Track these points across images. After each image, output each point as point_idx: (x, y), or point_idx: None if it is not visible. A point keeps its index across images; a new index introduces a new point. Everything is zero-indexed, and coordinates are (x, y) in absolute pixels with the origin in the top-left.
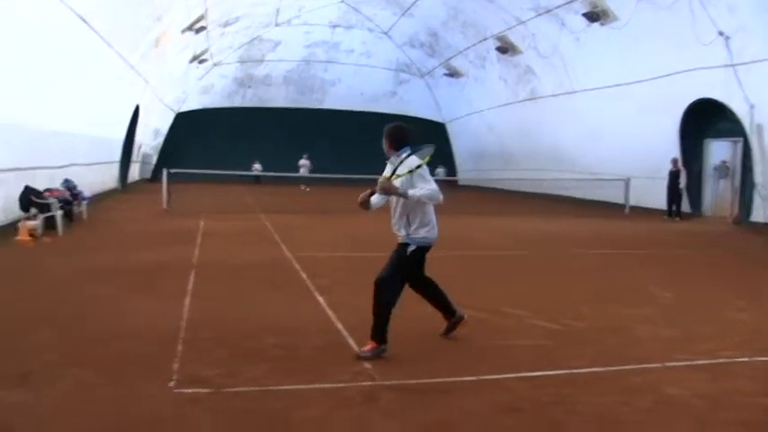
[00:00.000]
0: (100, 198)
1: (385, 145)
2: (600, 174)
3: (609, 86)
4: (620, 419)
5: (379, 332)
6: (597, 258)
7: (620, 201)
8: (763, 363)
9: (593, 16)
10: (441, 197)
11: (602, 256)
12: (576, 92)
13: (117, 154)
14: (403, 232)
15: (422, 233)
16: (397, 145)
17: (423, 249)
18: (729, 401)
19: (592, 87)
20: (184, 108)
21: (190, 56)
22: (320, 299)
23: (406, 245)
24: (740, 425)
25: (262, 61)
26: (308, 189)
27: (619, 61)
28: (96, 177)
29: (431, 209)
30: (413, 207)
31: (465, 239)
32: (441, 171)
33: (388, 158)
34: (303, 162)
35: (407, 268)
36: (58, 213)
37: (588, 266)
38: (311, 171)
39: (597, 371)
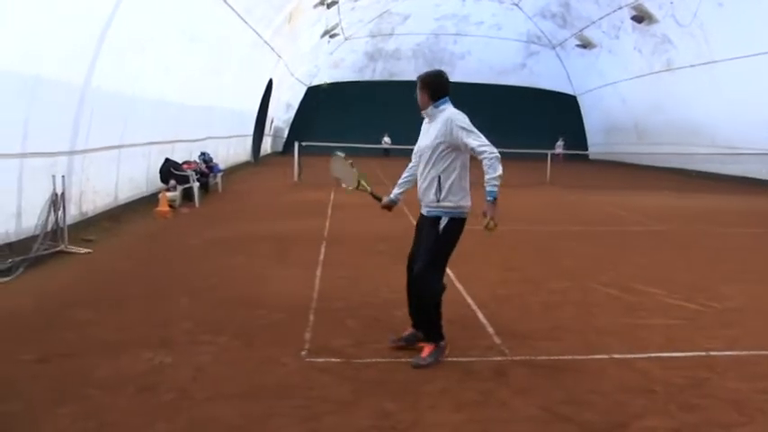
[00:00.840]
0: (233, 170)
1: (423, 96)
2: (740, 148)
3: (752, 55)
4: (760, 407)
5: (435, 331)
6: (738, 237)
7: (763, 176)
8: None
9: None
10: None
11: (743, 234)
12: (716, 61)
13: (250, 128)
14: (432, 198)
15: (454, 201)
16: (438, 95)
17: (459, 221)
18: None
19: (734, 56)
20: (315, 82)
21: (321, 30)
22: (450, 272)
23: (436, 218)
24: None
25: (391, 35)
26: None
27: (762, 29)
28: (230, 150)
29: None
30: (447, 167)
31: (597, 214)
32: (560, 144)
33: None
34: (386, 139)
35: (450, 247)
36: (195, 185)
37: (728, 245)
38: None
39: (737, 354)
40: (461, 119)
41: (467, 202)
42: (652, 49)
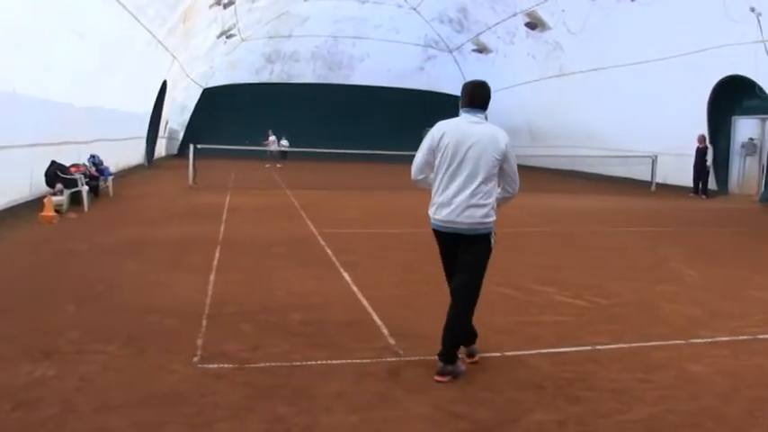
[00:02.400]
0: (126, 174)
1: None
2: (627, 151)
3: (637, 63)
4: (640, 396)
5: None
6: (623, 236)
7: (648, 178)
8: None
9: None
10: (412, 175)
11: (628, 233)
12: (604, 68)
13: (144, 130)
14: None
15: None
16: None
17: (434, 232)
18: (752, 378)
19: (620, 64)
20: (211, 83)
21: (218, 31)
22: (346, 275)
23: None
24: (763, 401)
25: (290, 37)
26: (278, 165)
27: (647, 37)
28: (123, 153)
29: (433, 183)
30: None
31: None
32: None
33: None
34: (272, 139)
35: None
36: (84, 189)
37: (614, 244)
38: (282, 145)
39: (620, 347)
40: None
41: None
42: (545, 55)
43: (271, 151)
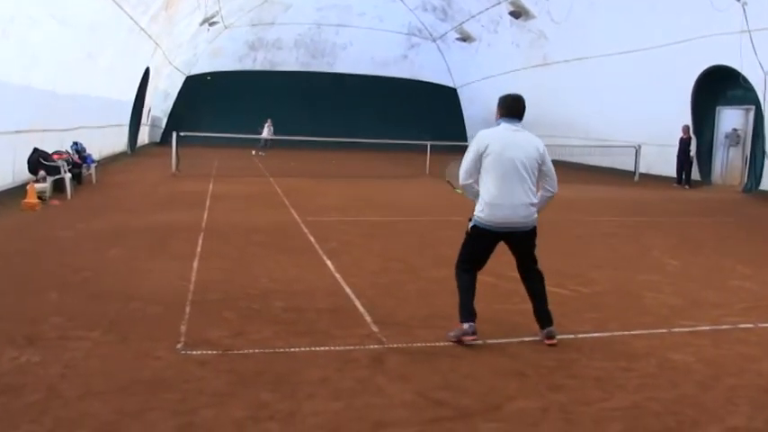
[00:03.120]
0: (109, 161)
1: None
2: (611, 141)
3: (622, 52)
4: (622, 384)
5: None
6: (606, 225)
7: (631, 168)
8: (767, 329)
9: None
10: (460, 178)
11: (611, 223)
12: (588, 57)
13: (126, 117)
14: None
15: (476, 210)
16: (496, 115)
17: (477, 229)
18: (732, 366)
19: (605, 53)
20: (194, 71)
21: (200, 18)
22: (328, 262)
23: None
24: (743, 389)
25: (273, 24)
26: (261, 153)
27: (632, 27)
28: (105, 140)
29: (482, 185)
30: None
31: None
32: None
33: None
34: (267, 125)
35: (463, 248)
36: (67, 176)
37: (598, 233)
38: (271, 134)
39: (602, 336)
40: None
41: (483, 214)
42: (529, 44)
43: (266, 139)
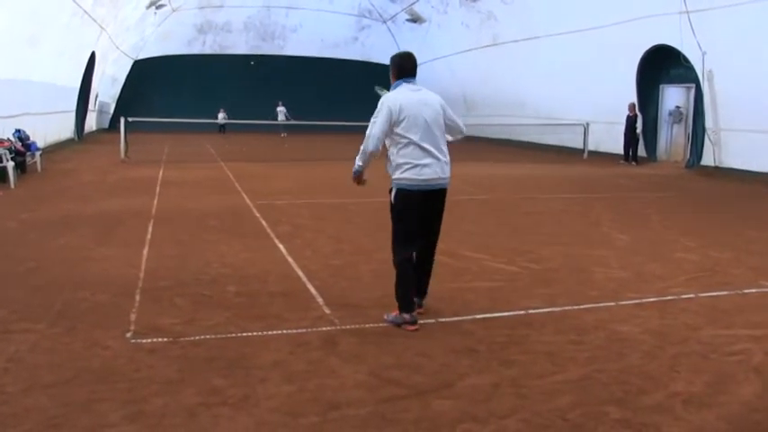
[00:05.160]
0: (55, 149)
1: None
2: (560, 119)
3: (569, 32)
4: (571, 356)
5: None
6: (556, 202)
7: (580, 146)
8: (708, 298)
9: None
10: (369, 146)
11: (560, 200)
12: (536, 37)
13: (72, 103)
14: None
15: (397, 174)
16: (391, 77)
17: (408, 193)
18: (675, 336)
19: (552, 33)
20: (142, 56)
21: (147, 1)
22: (281, 246)
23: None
24: (684, 357)
25: (221, 7)
26: (284, 135)
27: (578, 7)
28: (51, 127)
29: (398, 150)
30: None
31: None
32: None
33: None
34: (280, 109)
35: (394, 218)
36: (10, 165)
37: (547, 210)
38: (287, 117)
39: (552, 311)
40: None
41: (408, 175)
42: (479, 25)
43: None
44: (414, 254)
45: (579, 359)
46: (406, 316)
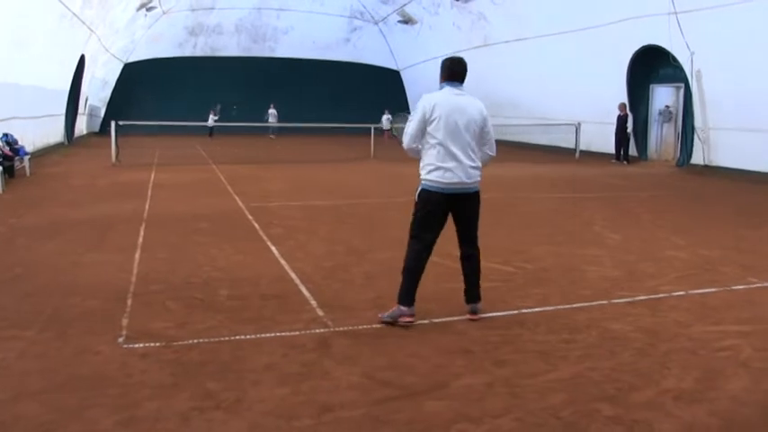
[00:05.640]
0: (45, 153)
1: None
2: (552, 119)
3: (560, 33)
4: (564, 355)
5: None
6: (549, 202)
7: (572, 146)
8: (698, 295)
9: None
10: (404, 143)
11: (553, 199)
12: (528, 38)
13: (62, 107)
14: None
15: (422, 174)
16: (440, 79)
17: (429, 193)
18: (666, 333)
19: (543, 34)
20: (133, 58)
21: (137, 3)
22: (273, 248)
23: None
24: (675, 353)
25: (212, 9)
26: (273, 137)
27: (569, 8)
28: (40, 131)
29: (427, 150)
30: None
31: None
32: (388, 117)
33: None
34: (271, 111)
35: (413, 214)
36: None
37: (541, 210)
38: (277, 119)
39: (545, 310)
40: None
41: (432, 177)
42: (470, 26)
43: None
44: (427, 253)
45: (572, 358)
46: (404, 308)
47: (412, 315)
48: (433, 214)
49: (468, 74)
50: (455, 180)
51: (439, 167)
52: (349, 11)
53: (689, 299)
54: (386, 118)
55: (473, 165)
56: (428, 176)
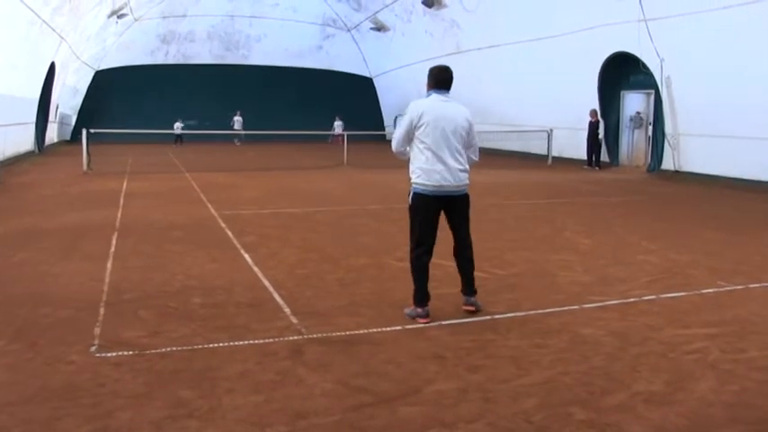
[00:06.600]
0: (14, 161)
1: None
2: (524, 126)
3: (532, 40)
4: (536, 360)
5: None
6: (521, 208)
7: (544, 152)
8: (668, 299)
9: None
10: (392, 146)
11: (525, 205)
12: (500, 45)
13: (32, 115)
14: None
15: (413, 178)
16: (426, 86)
17: (420, 197)
18: (637, 336)
19: (515, 41)
20: (104, 66)
21: (108, 10)
22: (246, 256)
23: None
24: (645, 357)
25: (185, 16)
26: (238, 143)
27: (541, 15)
28: (9, 140)
29: (416, 154)
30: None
31: (392, 192)
32: (338, 124)
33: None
34: (237, 118)
35: (410, 218)
36: None
37: (513, 216)
38: (243, 127)
39: (517, 315)
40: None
41: (422, 180)
42: (442, 33)
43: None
44: (429, 255)
45: (544, 362)
46: (419, 309)
47: (426, 316)
48: (428, 217)
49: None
50: (443, 183)
51: (427, 170)
52: (322, 18)
53: (659, 303)
54: (338, 124)
55: (461, 168)
56: (418, 180)
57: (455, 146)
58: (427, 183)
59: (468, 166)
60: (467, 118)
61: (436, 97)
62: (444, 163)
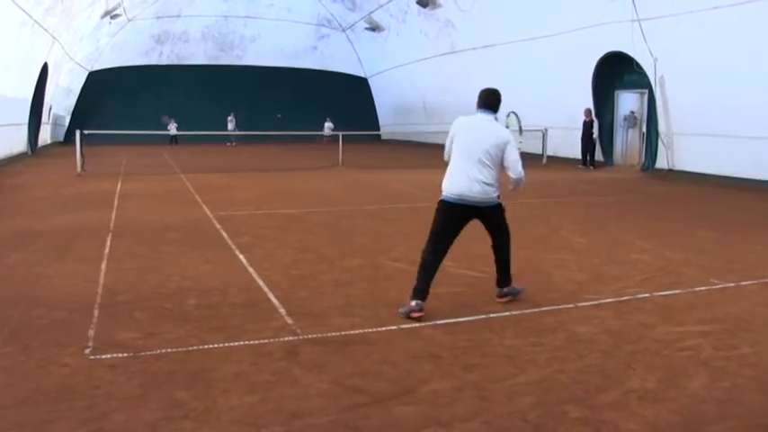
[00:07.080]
0: (7, 163)
1: None
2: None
3: (526, 39)
4: (532, 359)
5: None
6: (516, 207)
7: (539, 151)
8: (662, 297)
9: None
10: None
11: (521, 204)
12: (494, 45)
13: (24, 116)
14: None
15: (442, 184)
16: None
17: (442, 203)
18: (631, 334)
19: (509, 41)
20: (97, 66)
21: (101, 11)
22: (241, 257)
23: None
24: (639, 354)
25: (179, 17)
26: (233, 144)
27: (535, 15)
28: (1, 141)
29: (450, 163)
30: None
31: (388, 192)
32: (328, 126)
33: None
34: (230, 119)
35: (432, 222)
36: None
37: (508, 215)
38: (236, 127)
39: (512, 314)
40: None
41: (445, 186)
42: (437, 33)
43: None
44: (438, 255)
45: (539, 361)
46: (412, 303)
47: (420, 310)
48: (445, 221)
49: (435, 81)
50: (465, 192)
51: (452, 180)
52: (316, 18)
53: (653, 301)
54: (328, 126)
55: (486, 181)
56: (443, 186)
57: (483, 161)
58: (448, 190)
59: (494, 181)
60: (501, 137)
61: (479, 116)
62: (468, 174)
